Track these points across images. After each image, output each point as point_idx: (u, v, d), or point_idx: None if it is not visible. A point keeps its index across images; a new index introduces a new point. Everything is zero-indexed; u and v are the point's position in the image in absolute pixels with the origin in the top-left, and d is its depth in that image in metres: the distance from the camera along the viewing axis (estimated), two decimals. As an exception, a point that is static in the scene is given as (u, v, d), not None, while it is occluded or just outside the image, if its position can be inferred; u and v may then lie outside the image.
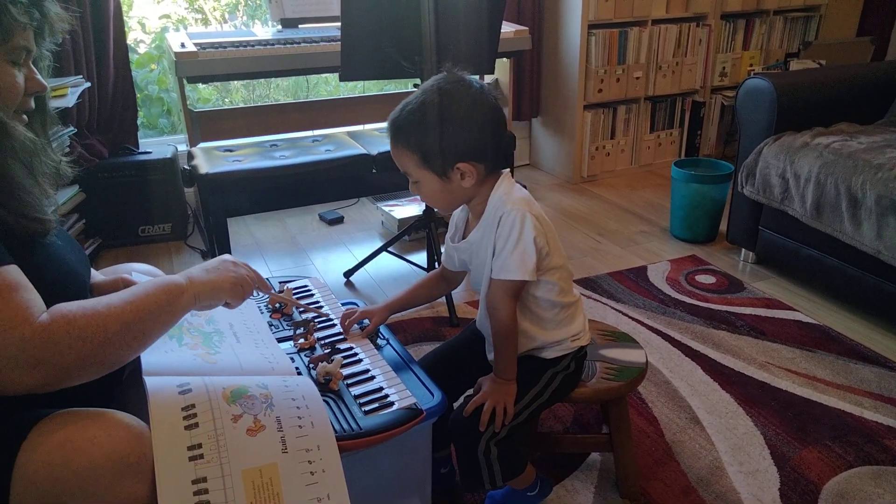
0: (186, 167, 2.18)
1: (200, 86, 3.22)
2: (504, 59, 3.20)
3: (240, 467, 0.90)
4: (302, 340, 1.27)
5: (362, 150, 2.30)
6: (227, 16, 3.64)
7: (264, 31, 2.72)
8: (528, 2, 3.24)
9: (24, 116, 1.00)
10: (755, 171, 2.28)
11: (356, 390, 1.14)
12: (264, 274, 2.58)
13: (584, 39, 3.13)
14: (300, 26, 2.72)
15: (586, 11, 3.08)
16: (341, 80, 2.11)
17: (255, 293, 1.17)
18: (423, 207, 2.36)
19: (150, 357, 1.02)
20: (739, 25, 3.51)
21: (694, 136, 3.58)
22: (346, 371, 1.19)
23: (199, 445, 0.89)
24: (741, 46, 3.57)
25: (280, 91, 3.67)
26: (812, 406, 1.73)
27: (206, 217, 2.26)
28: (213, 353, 1.11)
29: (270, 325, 1.31)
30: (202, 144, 2.52)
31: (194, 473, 0.87)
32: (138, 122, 2.84)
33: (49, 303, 0.88)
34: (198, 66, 2.31)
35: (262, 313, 1.34)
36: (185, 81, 2.41)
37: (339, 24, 2.06)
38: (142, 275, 1.23)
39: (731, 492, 1.46)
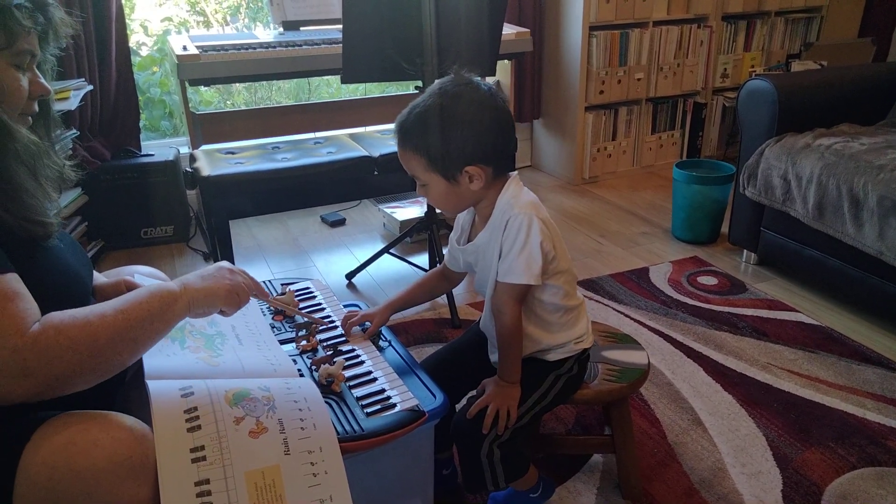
0: (188, 169, 2.18)
1: (202, 88, 3.23)
2: (505, 61, 3.21)
3: (242, 469, 0.90)
4: (304, 342, 1.27)
5: (364, 152, 2.30)
6: (228, 18, 3.65)
7: (266, 33, 2.72)
8: (529, 3, 3.24)
9: (28, 119, 1.01)
10: (757, 172, 2.28)
11: (358, 392, 1.15)
12: (266, 276, 2.58)
13: (585, 41, 3.13)
14: (301, 29, 2.73)
15: (587, 13, 3.08)
16: (343, 82, 2.11)
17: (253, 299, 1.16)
18: (425, 209, 2.36)
19: (153, 360, 1.03)
20: (741, 27, 3.51)
21: (695, 138, 3.58)
22: (348, 373, 1.19)
23: (202, 448, 0.89)
24: (742, 48, 3.57)
25: (282, 93, 3.68)
26: (814, 407, 1.73)
27: (209, 219, 2.26)
28: (215, 355, 1.11)
29: (273, 327, 1.31)
30: (204, 147, 2.53)
31: (197, 475, 0.87)
32: (140, 124, 2.85)
33: (51, 306, 0.88)
34: (200, 69, 2.32)
35: (264, 315, 1.34)
36: (187, 84, 2.41)
37: (340, 26, 2.07)
38: (145, 277, 1.23)
39: (733, 493, 1.46)
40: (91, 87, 2.48)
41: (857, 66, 2.95)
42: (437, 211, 2.33)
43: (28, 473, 0.81)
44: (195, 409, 0.92)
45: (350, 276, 2.48)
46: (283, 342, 1.26)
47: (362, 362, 1.24)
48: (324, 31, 2.73)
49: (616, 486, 1.48)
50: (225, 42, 2.47)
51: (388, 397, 1.14)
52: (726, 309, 2.20)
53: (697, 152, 3.60)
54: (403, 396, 1.14)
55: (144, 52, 3.38)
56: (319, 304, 1.45)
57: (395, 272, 2.53)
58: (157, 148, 2.90)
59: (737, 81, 3.57)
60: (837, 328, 2.08)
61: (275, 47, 2.46)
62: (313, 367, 1.19)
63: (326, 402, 1.07)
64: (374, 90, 3.45)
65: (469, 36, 2.14)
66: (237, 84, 3.50)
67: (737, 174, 2.43)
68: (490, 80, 3.42)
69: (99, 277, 1.20)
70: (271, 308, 1.39)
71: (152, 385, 0.94)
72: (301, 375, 1.15)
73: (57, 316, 0.87)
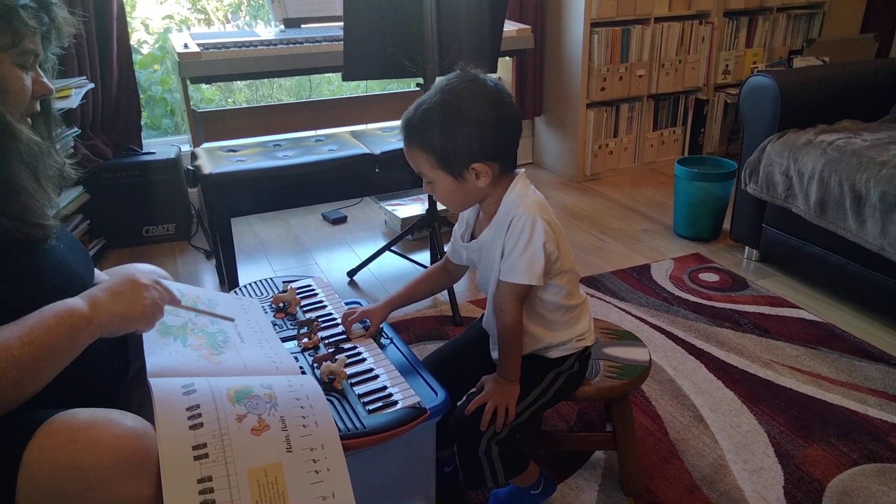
0: (190, 167, 2.19)
1: (204, 86, 3.23)
2: (507, 58, 3.20)
3: (245, 466, 0.90)
4: (306, 340, 1.27)
5: (365, 150, 2.30)
6: (229, 16, 3.65)
7: (267, 31, 2.72)
8: (531, 0, 3.24)
9: (29, 119, 1.01)
10: (759, 168, 2.28)
11: (360, 389, 1.15)
12: (268, 273, 2.58)
13: (586, 38, 3.13)
14: (303, 26, 2.73)
15: (589, 9, 3.07)
16: (344, 79, 2.11)
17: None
18: (427, 206, 2.36)
19: (155, 358, 1.03)
20: (742, 23, 3.50)
21: (697, 134, 3.57)
22: (349, 370, 1.20)
23: (204, 445, 0.89)
24: (744, 44, 3.56)
25: (283, 91, 3.68)
26: (816, 404, 1.73)
27: (210, 217, 2.26)
28: (217, 353, 1.11)
29: (274, 325, 1.32)
30: (205, 145, 2.53)
31: (199, 473, 0.87)
32: (142, 122, 2.85)
33: None
34: (201, 67, 2.32)
35: (266, 313, 1.35)
36: (188, 82, 2.41)
37: (341, 23, 2.07)
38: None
39: (735, 490, 1.46)
40: (92, 86, 2.48)
41: (859, 63, 2.95)
42: (439, 208, 2.34)
43: (31, 471, 0.82)
44: (197, 406, 0.93)
45: (352, 273, 2.48)
46: (284, 340, 1.27)
47: (364, 360, 1.24)
48: (325, 28, 2.72)
49: (618, 483, 1.48)
50: (226, 40, 2.47)
51: (390, 395, 1.14)
52: (728, 306, 2.20)
53: (699, 149, 3.59)
54: (405, 394, 1.14)
55: (146, 49, 3.38)
56: (321, 301, 1.45)
57: (396, 269, 2.53)
58: (159, 146, 2.90)
59: (738, 78, 3.56)
60: (839, 324, 2.08)
61: (276, 45, 2.46)
62: (315, 365, 1.19)
63: (328, 400, 1.07)
64: (375, 88, 3.45)
65: (470, 33, 2.14)
66: (238, 82, 3.50)
67: (738, 171, 2.43)
68: (492, 76, 3.42)
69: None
70: (273, 306, 1.39)
71: (155, 383, 0.95)
72: (303, 373, 1.15)
73: None
